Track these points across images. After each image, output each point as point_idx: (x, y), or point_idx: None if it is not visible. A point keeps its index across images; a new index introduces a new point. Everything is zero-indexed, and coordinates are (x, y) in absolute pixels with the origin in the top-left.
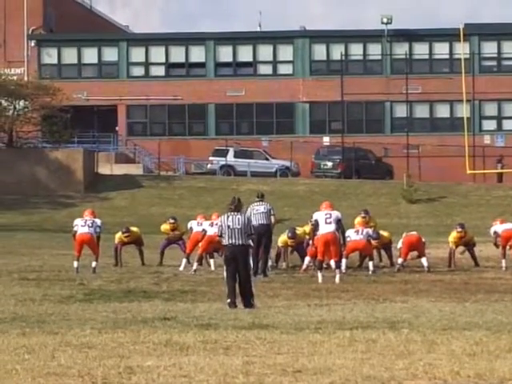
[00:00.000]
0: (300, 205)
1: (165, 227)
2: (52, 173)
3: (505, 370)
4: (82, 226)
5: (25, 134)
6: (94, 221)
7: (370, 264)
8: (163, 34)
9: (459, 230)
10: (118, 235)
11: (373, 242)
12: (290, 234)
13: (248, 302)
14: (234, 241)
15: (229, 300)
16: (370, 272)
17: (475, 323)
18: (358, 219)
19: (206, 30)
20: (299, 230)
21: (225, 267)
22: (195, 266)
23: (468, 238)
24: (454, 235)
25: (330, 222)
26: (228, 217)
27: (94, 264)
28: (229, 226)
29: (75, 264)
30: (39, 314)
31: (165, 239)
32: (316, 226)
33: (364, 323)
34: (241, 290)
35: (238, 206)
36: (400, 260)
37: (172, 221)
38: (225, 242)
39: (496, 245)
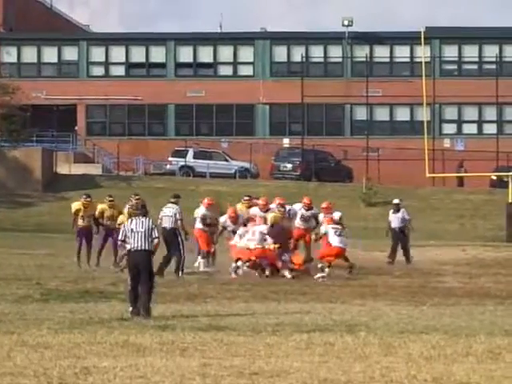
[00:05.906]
0: None
1: (75, 206)
2: (10, 172)
3: (461, 373)
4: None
5: None
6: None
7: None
8: (123, 33)
9: None
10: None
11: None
12: None
13: (145, 310)
14: (137, 245)
15: (131, 309)
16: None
17: (432, 327)
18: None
19: (165, 30)
20: None
21: (128, 274)
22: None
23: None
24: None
25: None
26: (132, 221)
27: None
28: (132, 230)
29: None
30: None
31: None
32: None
33: (322, 326)
34: (140, 296)
35: (143, 211)
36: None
37: (85, 196)
38: (128, 246)
39: None
